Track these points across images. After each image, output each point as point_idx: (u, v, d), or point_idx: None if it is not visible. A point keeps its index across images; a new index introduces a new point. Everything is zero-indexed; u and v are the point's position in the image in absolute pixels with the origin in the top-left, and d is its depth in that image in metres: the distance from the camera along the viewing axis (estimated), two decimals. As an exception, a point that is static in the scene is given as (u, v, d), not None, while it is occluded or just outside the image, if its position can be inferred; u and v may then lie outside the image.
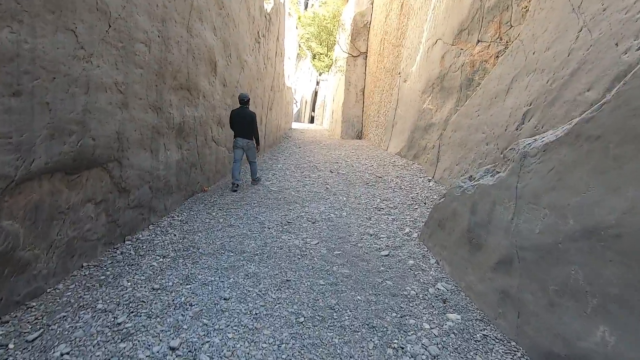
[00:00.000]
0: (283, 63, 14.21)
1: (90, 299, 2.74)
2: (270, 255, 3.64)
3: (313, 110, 31.97)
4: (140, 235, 4.05)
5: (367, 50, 15.44)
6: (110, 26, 3.27)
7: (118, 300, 2.75)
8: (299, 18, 28.18)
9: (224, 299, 2.82)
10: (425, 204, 5.35)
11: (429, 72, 8.27)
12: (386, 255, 3.65)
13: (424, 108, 8.44)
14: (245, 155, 6.40)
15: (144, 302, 2.74)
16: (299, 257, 3.61)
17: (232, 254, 3.63)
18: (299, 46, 28.91)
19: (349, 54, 15.40)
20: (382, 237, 4.13)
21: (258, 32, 8.91)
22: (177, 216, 4.75)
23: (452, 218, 3.51)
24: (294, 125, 23.56)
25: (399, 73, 10.56)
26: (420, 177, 7.02)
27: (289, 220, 4.64)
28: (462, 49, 7.04)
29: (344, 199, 5.67)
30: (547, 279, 2.30)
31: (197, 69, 5.31)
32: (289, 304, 2.79)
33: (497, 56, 6.18)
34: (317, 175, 7.44)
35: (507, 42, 5.87)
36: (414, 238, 4.12)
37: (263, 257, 3.59)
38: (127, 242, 3.85)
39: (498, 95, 5.03)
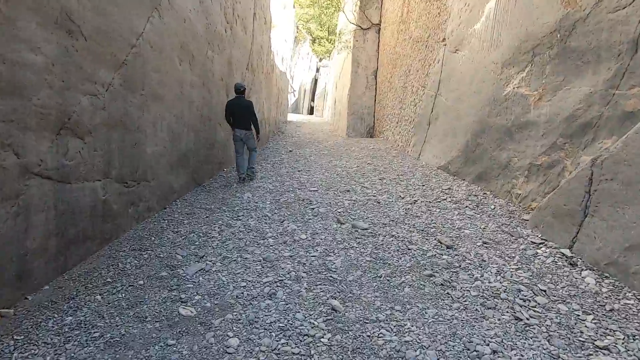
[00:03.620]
0: (269, 35, 9.89)
1: None
2: None
3: (312, 100, 27.52)
4: None
5: (380, 21, 11.08)
6: None
7: None
8: (297, -4, 23.53)
9: None
10: None
11: (525, 25, 4.04)
12: None
13: (508, 93, 4.27)
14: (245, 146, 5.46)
15: None
16: None
17: None
18: (297, 28, 24.32)
19: (357, 25, 11.03)
20: None
21: (206, -43, 4.62)
22: None
23: None
24: (291, 117, 19.25)
25: (443, 40, 6.29)
26: (539, 248, 2.90)
27: None
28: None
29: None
30: None
31: None
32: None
33: None
34: (309, 234, 3.32)
35: None
36: None
37: None
38: None
39: None
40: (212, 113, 5.31)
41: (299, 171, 6.06)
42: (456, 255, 2.85)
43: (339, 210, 3.91)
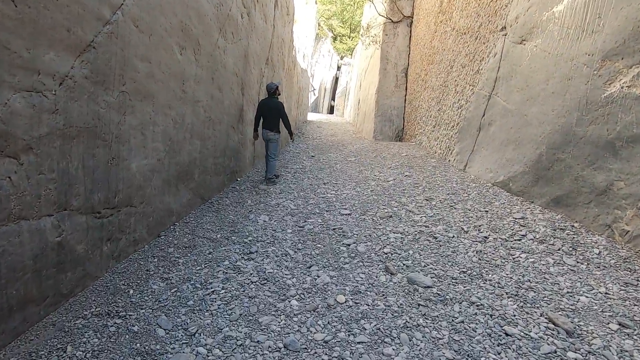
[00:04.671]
0: (292, 28, 8.87)
1: None
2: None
3: (333, 99, 26.39)
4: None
5: (412, 13, 9.89)
6: None
7: None
8: (319, -8, 22.43)
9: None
10: None
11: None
12: None
13: (612, 94, 3.05)
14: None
15: None
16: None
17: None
18: (319, 25, 23.22)
19: (387, 18, 9.87)
20: None
21: None
22: None
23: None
24: (310, 116, 18.23)
25: (502, 29, 5.10)
26: None
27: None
28: None
29: None
30: None
31: None
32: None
33: None
34: (349, 292, 2.26)
35: None
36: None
37: None
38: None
39: None
40: (223, 115, 4.33)
41: (324, 184, 5.03)
42: (588, 352, 1.75)
43: (384, 251, 2.85)
